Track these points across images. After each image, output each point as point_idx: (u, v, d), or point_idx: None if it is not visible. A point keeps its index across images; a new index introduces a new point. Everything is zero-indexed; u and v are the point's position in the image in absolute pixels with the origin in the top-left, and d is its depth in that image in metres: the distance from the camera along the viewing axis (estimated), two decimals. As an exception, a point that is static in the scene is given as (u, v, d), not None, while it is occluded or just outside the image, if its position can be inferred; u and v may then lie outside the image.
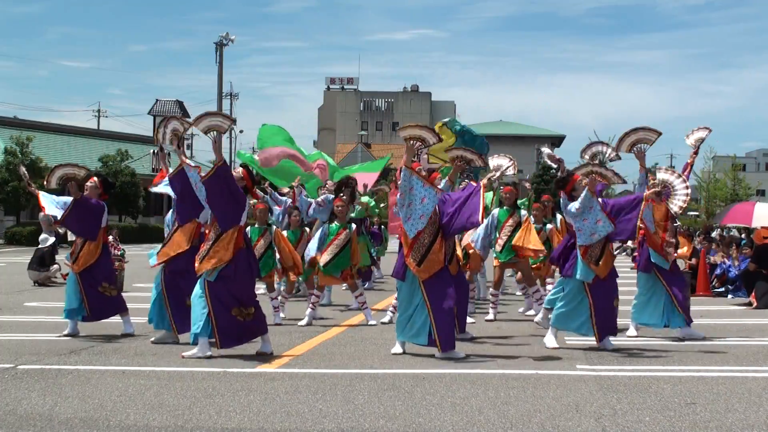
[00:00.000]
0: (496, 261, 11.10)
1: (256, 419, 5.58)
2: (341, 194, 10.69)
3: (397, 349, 8.14)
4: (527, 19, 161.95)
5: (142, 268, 9.74)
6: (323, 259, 10.32)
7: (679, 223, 60.28)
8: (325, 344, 8.81)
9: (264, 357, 7.83)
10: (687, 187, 9.26)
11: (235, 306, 7.81)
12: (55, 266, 16.17)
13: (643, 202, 8.65)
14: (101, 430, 5.32)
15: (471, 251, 10.68)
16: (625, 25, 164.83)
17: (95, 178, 9.61)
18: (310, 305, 10.41)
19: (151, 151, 47.19)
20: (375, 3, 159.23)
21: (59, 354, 8.02)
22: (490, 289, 11.19)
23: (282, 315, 10.46)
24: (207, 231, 8.11)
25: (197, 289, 7.90)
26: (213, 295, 7.77)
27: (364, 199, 15.01)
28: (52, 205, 9.54)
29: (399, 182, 8.06)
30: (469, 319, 10.60)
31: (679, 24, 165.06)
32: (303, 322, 10.21)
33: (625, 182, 9.68)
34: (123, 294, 9.84)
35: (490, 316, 10.86)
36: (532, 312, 11.17)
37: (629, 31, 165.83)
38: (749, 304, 12.92)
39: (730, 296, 14.32)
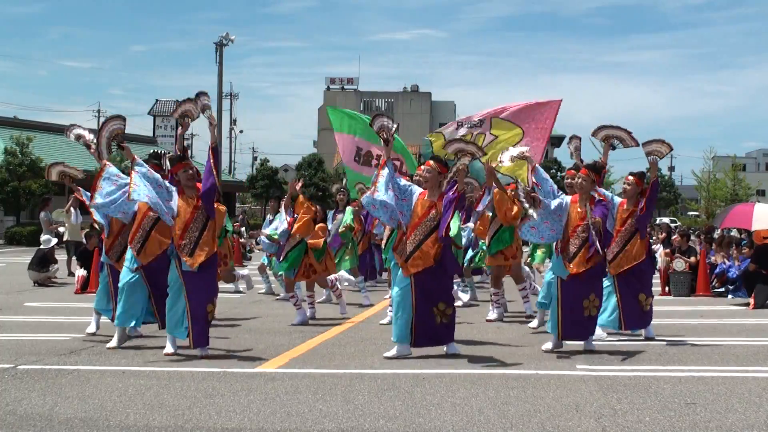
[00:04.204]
0: (487, 259, 10.96)
1: (256, 419, 5.58)
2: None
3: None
4: (527, 19, 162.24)
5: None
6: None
7: (678, 222, 59.41)
8: (325, 344, 8.81)
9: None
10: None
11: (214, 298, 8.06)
12: (55, 266, 16.15)
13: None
14: (101, 430, 5.32)
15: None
16: (625, 25, 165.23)
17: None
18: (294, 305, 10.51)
19: (151, 150, 47.29)
20: (375, 3, 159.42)
21: (59, 354, 8.02)
22: (492, 289, 11.03)
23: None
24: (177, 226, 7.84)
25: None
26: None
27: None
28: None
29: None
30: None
31: (679, 24, 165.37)
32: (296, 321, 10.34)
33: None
34: None
35: (492, 316, 10.79)
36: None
37: (629, 31, 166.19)
38: (749, 304, 12.91)
39: (730, 296, 14.29)
